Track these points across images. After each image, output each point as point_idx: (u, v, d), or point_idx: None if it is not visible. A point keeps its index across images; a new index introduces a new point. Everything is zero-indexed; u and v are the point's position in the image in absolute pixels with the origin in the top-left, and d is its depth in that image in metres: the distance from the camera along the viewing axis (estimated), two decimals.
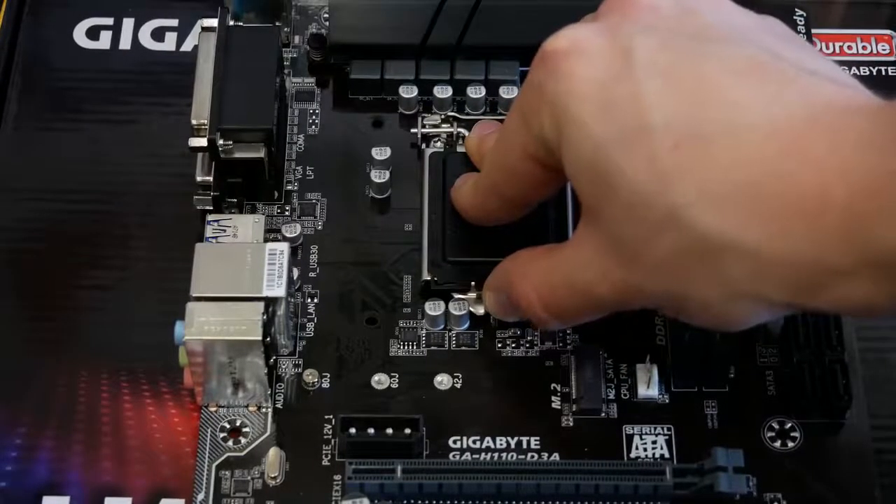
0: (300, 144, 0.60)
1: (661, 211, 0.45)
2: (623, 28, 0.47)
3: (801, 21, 0.62)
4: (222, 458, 0.53)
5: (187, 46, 0.63)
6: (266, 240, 0.55)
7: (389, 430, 0.51)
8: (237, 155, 0.56)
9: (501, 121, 0.58)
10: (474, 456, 0.53)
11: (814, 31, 0.62)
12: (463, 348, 0.55)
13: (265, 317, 0.51)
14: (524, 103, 0.50)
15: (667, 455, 0.53)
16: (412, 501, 0.50)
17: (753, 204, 0.44)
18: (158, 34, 0.63)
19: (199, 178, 0.56)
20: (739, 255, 0.44)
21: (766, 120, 0.44)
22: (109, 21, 0.64)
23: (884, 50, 0.63)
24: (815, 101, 0.45)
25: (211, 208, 0.57)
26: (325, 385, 0.54)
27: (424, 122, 0.60)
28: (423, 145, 0.60)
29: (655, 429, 0.53)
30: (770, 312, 0.47)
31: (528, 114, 0.49)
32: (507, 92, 0.60)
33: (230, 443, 0.53)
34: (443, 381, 0.54)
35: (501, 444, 0.53)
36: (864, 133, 0.43)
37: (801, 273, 0.44)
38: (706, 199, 0.44)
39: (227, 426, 0.53)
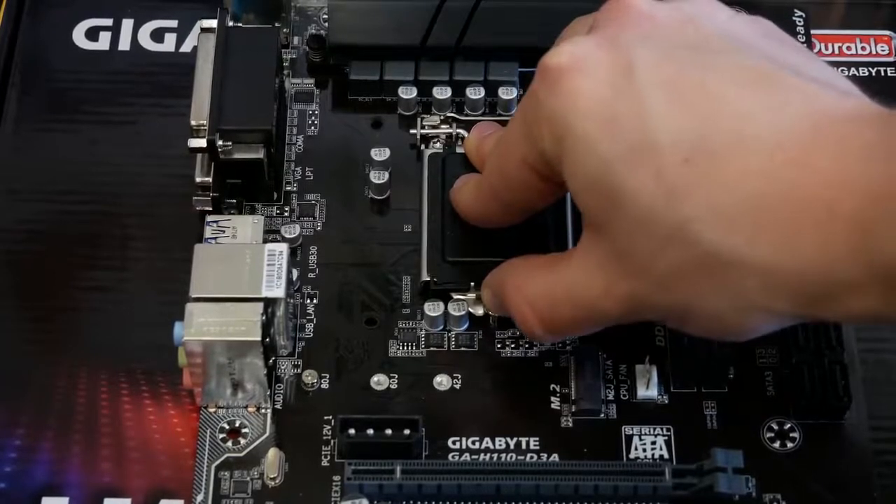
0: (299, 145, 0.60)
1: (669, 226, 0.45)
2: (622, 40, 0.47)
3: (800, 22, 0.62)
4: (221, 458, 0.53)
5: (186, 47, 0.63)
6: (265, 240, 0.54)
7: (389, 431, 0.51)
8: (236, 156, 0.56)
9: (500, 122, 0.58)
10: (473, 457, 0.53)
11: (813, 31, 0.62)
12: (462, 349, 0.55)
13: (264, 317, 0.51)
14: (525, 115, 0.49)
15: (666, 456, 0.53)
16: (411, 502, 0.50)
17: (762, 217, 0.44)
18: (158, 35, 0.63)
19: (198, 179, 0.56)
20: (748, 269, 0.45)
21: (771, 131, 0.44)
22: (109, 22, 0.64)
23: (883, 51, 0.63)
24: (818, 111, 0.45)
25: (210, 209, 0.57)
26: (325, 386, 0.54)
27: (423, 123, 0.60)
28: (423, 146, 0.60)
29: (655, 429, 0.53)
30: (779, 322, 0.48)
31: (529, 126, 0.49)
32: (506, 93, 0.60)
33: (229, 443, 0.53)
34: (442, 381, 0.54)
35: (500, 445, 0.53)
36: (868, 143, 0.43)
37: (811, 285, 0.44)
38: (715, 213, 0.44)
39: (227, 427, 0.53)
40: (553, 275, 0.50)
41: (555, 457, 0.53)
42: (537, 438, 0.53)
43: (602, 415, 0.54)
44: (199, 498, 0.52)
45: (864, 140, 0.43)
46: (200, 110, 0.56)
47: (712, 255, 0.45)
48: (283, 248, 0.53)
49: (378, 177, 0.58)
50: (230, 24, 0.59)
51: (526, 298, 0.51)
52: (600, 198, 0.47)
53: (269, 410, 0.54)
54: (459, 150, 0.59)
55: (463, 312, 0.55)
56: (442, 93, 0.60)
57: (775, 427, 0.53)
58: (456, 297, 0.55)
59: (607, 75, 0.47)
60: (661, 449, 0.53)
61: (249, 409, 0.54)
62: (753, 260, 0.44)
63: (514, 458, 0.53)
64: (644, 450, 0.53)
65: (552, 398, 0.54)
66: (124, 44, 0.63)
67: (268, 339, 0.51)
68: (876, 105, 0.46)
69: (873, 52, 0.63)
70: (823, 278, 0.44)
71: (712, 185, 0.45)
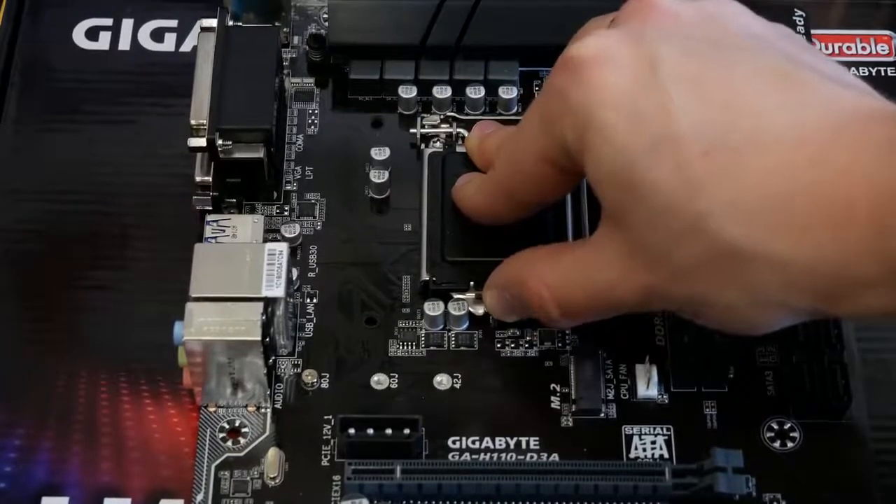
0: (299, 145, 0.60)
1: (688, 219, 0.45)
2: (646, 35, 0.47)
3: (800, 21, 0.62)
4: (221, 458, 0.53)
5: (186, 47, 0.63)
6: (265, 240, 0.54)
7: (389, 431, 0.51)
8: (236, 155, 0.56)
9: (501, 121, 0.58)
10: (473, 456, 0.53)
11: (813, 31, 0.62)
12: (462, 348, 0.55)
13: (264, 317, 0.51)
14: (544, 109, 0.49)
15: (666, 455, 0.53)
16: (411, 502, 0.50)
17: (782, 214, 0.44)
18: (158, 35, 0.63)
19: (198, 179, 0.56)
20: (766, 264, 0.45)
21: (793, 129, 0.45)
22: (109, 22, 0.64)
23: (883, 50, 0.63)
24: (838, 110, 0.45)
25: (210, 208, 0.57)
26: (325, 385, 0.54)
27: (424, 123, 0.60)
28: (423, 145, 0.60)
29: (655, 429, 0.53)
30: (794, 318, 0.48)
31: (549, 120, 0.49)
32: (506, 92, 0.60)
33: (229, 443, 0.53)
34: (442, 381, 0.54)
35: (501, 445, 0.53)
36: (885, 140, 0.43)
37: (827, 282, 0.45)
38: (734, 208, 0.45)
39: (227, 426, 0.53)
40: (569, 262, 0.51)
41: (555, 456, 0.53)
42: (537, 438, 0.53)
43: (602, 414, 0.54)
44: (199, 498, 0.52)
45: (881, 138, 0.44)
46: (200, 109, 0.56)
47: (730, 248, 0.45)
48: (283, 247, 0.53)
49: (378, 176, 0.58)
50: (230, 23, 0.59)
51: (544, 283, 0.51)
52: (620, 190, 0.47)
53: (268, 410, 0.54)
54: (460, 149, 0.59)
55: (463, 312, 0.55)
56: (442, 92, 0.60)
57: (775, 427, 0.53)
58: (456, 296, 0.55)
59: (632, 68, 0.47)
60: (661, 449, 0.53)
61: (249, 409, 0.54)
62: (771, 255, 0.45)
63: (514, 458, 0.53)
64: (644, 449, 0.53)
65: (552, 398, 0.54)
66: (124, 44, 0.63)
67: (268, 339, 0.51)
68: (889, 103, 0.46)
69: (873, 52, 0.63)
70: (840, 274, 0.44)
71: (732, 179, 0.45)
